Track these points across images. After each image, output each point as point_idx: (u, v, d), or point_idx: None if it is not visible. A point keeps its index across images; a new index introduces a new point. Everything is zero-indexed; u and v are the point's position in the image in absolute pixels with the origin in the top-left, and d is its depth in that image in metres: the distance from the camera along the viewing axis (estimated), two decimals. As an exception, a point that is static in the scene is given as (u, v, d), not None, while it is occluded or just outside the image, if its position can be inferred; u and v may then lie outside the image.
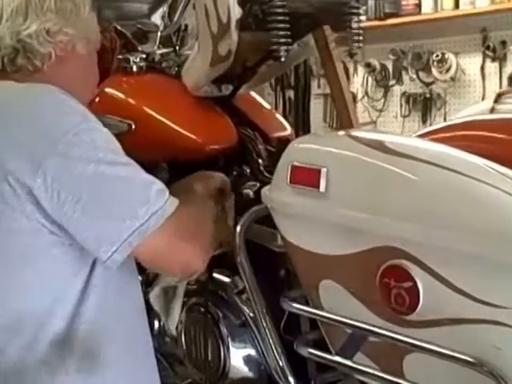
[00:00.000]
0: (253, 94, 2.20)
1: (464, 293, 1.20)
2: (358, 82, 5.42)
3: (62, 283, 1.41)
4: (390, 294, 1.29)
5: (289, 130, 2.13)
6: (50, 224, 1.36)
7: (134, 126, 1.93)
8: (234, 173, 1.96)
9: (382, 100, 5.35)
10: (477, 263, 1.18)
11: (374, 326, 1.32)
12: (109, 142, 1.40)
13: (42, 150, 1.33)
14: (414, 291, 1.25)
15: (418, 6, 4.85)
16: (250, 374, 1.86)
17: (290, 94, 2.34)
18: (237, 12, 1.77)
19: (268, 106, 2.26)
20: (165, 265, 1.47)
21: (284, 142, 1.91)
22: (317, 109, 5.18)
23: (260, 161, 1.95)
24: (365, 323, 1.34)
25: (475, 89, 4.91)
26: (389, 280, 1.29)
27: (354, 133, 1.43)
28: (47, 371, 1.41)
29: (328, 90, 2.01)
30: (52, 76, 1.47)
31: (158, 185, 1.41)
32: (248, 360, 1.85)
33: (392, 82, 5.28)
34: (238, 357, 1.86)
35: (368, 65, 5.28)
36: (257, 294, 1.62)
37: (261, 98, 2.24)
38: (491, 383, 1.19)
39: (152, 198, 1.37)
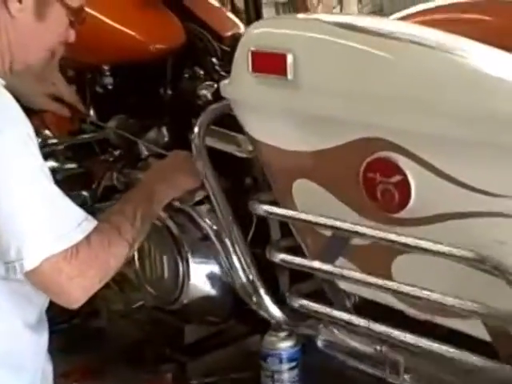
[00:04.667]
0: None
1: (461, 183, 1.07)
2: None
3: None
4: (375, 191, 1.16)
5: (242, 28, 1.97)
6: None
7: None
8: (186, 75, 1.80)
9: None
10: (475, 150, 1.05)
11: (360, 225, 1.19)
12: None
13: None
14: (404, 185, 1.13)
15: None
16: (212, 292, 1.71)
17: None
18: None
19: (217, 4, 2.09)
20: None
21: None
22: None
23: (215, 60, 1.79)
24: (348, 223, 1.20)
25: None
26: (374, 175, 1.16)
27: (320, 16, 1.28)
28: None
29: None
30: None
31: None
32: (210, 277, 1.70)
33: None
34: (198, 274, 1.70)
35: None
36: (222, 202, 1.48)
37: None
38: (484, 279, 1.08)
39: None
